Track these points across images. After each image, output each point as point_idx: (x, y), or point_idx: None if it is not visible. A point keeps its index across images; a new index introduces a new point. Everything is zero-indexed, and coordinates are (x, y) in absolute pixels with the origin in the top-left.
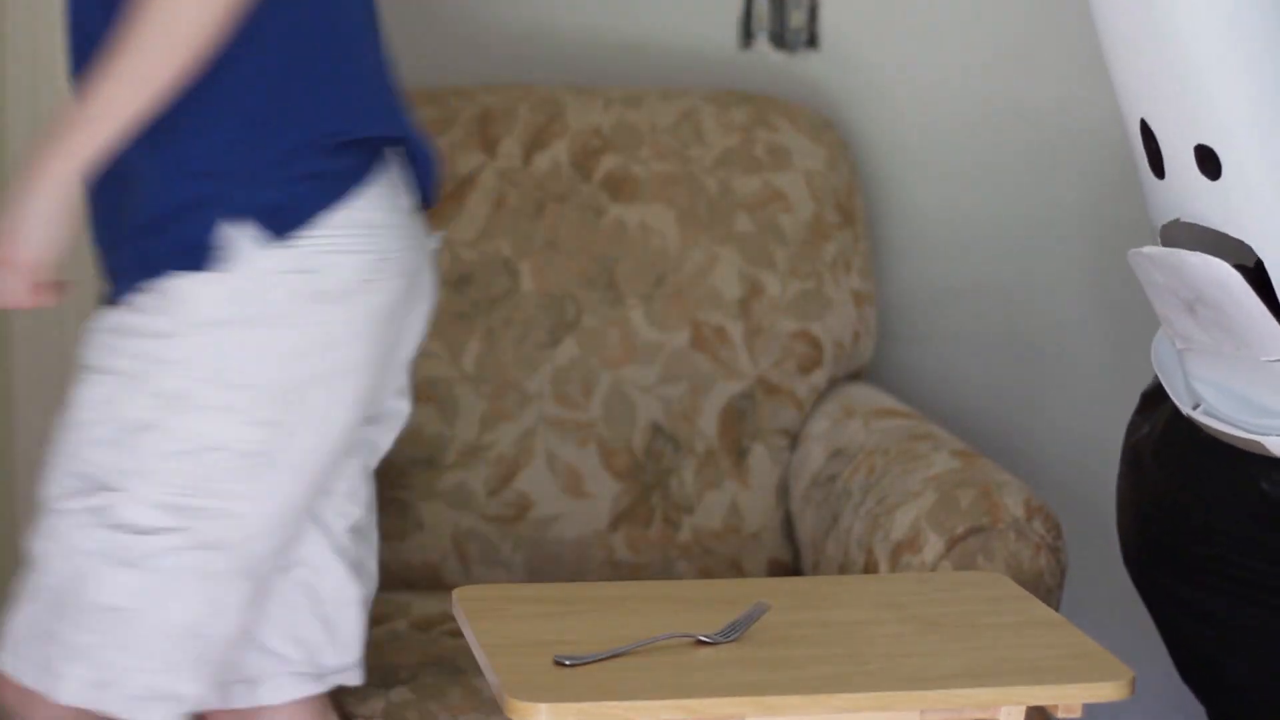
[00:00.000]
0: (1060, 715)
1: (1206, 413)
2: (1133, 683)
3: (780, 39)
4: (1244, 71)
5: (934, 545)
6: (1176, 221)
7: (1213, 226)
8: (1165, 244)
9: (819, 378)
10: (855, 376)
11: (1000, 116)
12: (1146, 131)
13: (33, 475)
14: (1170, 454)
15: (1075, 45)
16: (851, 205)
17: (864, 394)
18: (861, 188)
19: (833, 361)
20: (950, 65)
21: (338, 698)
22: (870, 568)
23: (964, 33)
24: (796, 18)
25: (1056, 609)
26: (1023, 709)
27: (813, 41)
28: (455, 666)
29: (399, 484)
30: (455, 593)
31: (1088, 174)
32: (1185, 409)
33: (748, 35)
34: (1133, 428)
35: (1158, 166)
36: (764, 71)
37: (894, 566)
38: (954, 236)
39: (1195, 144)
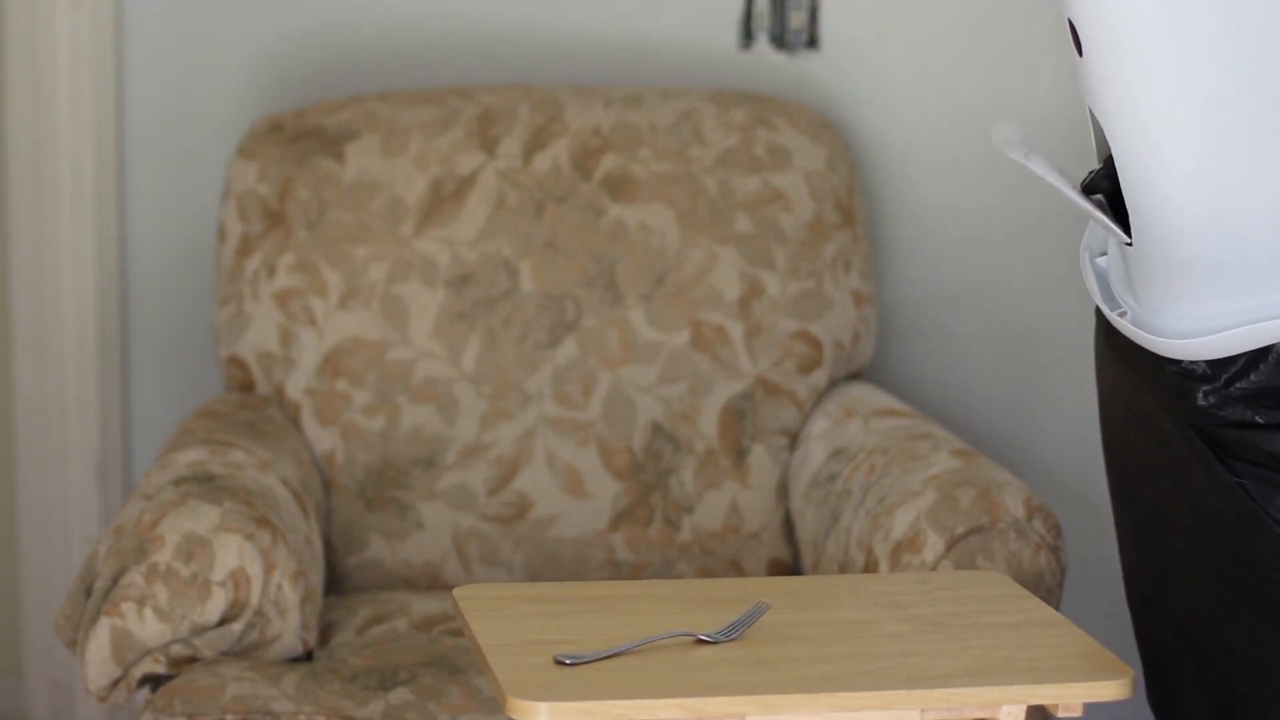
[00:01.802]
0: (1061, 714)
1: (1098, 267)
2: (1133, 682)
3: (780, 40)
4: None
5: (934, 545)
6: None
7: (1088, 104)
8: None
9: (819, 378)
10: (855, 376)
11: (1000, 117)
12: None
13: (32, 477)
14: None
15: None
16: (851, 205)
17: (864, 394)
18: (861, 188)
19: (833, 361)
20: (950, 65)
21: (337, 698)
22: (870, 567)
23: (964, 33)
24: (797, 18)
25: (1056, 609)
26: (1023, 708)
27: (813, 42)
28: (455, 666)
29: (399, 484)
30: (455, 593)
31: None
32: (1084, 255)
33: (748, 36)
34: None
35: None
36: (764, 71)
37: (894, 566)
38: (954, 236)
39: (1067, 19)
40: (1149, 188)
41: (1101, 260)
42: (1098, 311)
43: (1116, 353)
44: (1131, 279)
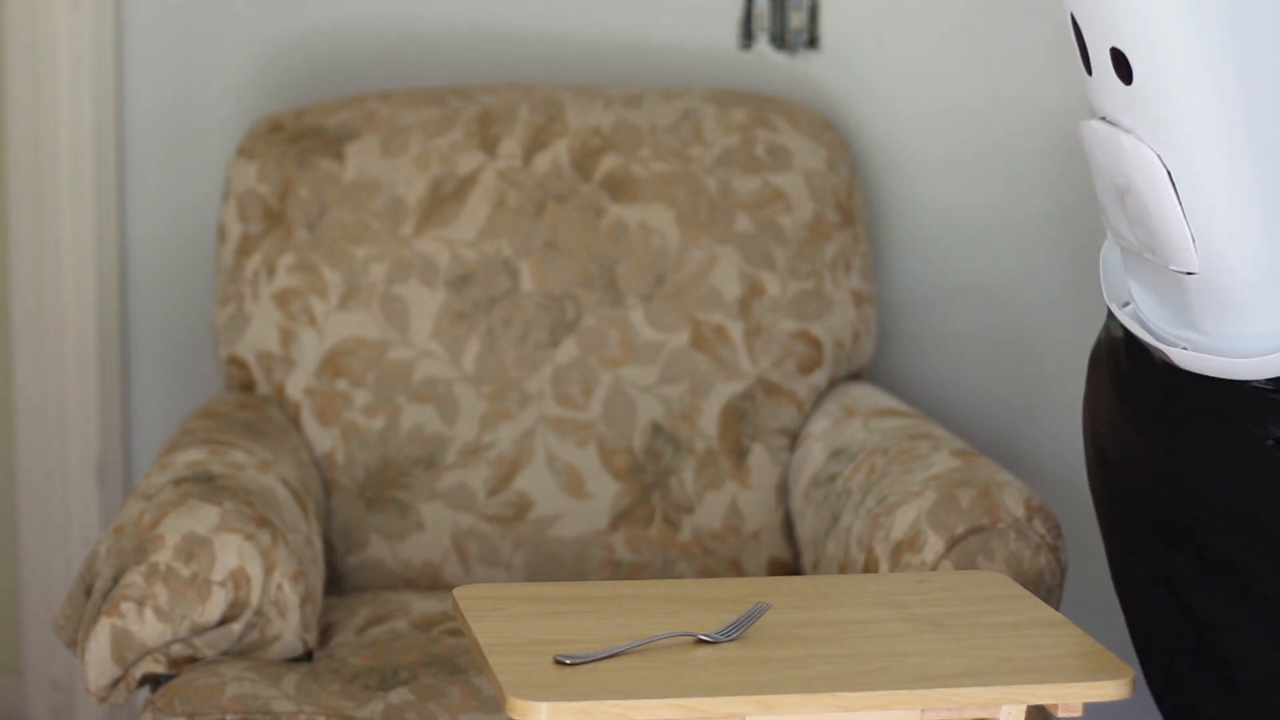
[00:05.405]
0: (1061, 714)
1: (1131, 314)
2: (1133, 682)
3: (781, 40)
4: None
5: (934, 545)
6: (1104, 119)
7: (1128, 130)
8: None
9: (819, 378)
10: (855, 376)
11: (1001, 117)
12: (1076, 26)
13: (32, 477)
14: (1113, 365)
15: (1076, 45)
16: (851, 205)
17: (864, 394)
18: (861, 188)
19: (833, 361)
20: (951, 66)
21: (337, 698)
22: (870, 567)
23: (964, 33)
24: (797, 18)
25: (1056, 608)
26: (1023, 708)
27: (813, 42)
28: (455, 666)
29: (399, 484)
30: (455, 592)
31: (1089, 173)
32: (1114, 306)
33: (748, 36)
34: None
35: (1087, 63)
36: (764, 72)
37: (894, 566)
38: (954, 236)
39: (1111, 46)
40: (1214, 212)
41: (1129, 309)
42: (1094, 364)
43: (1149, 394)
44: (1192, 311)
